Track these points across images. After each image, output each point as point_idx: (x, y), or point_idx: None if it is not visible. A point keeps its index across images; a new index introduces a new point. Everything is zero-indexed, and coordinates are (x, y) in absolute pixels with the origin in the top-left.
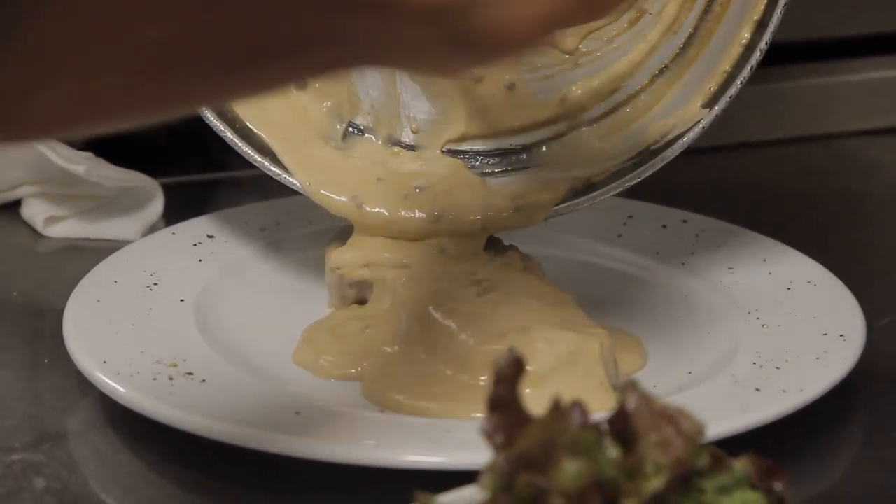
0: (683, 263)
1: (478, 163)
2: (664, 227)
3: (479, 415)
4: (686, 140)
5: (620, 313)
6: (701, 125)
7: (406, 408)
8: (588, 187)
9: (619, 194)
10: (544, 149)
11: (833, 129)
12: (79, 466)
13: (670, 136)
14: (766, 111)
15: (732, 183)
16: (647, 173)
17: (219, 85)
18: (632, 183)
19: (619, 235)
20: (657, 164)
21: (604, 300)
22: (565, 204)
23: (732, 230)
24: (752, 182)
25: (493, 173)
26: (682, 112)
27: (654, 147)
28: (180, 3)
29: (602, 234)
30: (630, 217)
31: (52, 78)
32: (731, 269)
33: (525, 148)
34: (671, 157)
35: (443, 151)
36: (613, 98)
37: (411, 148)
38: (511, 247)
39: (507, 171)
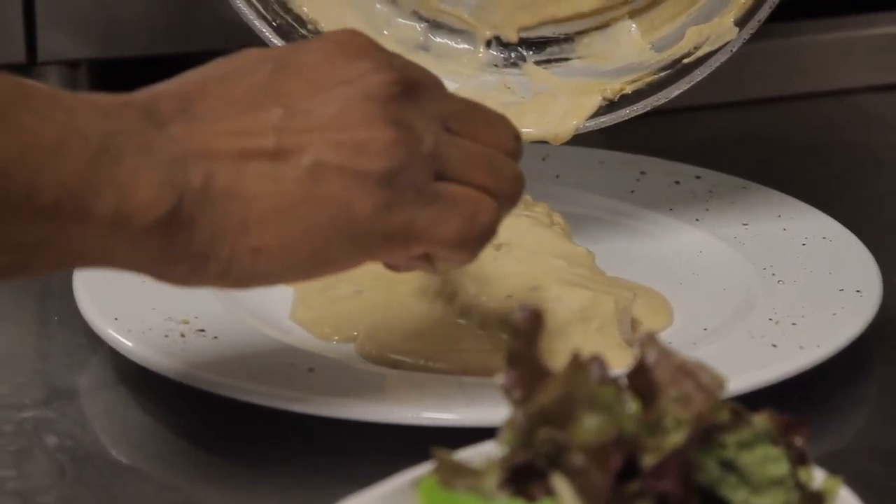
0: (697, 219)
1: (520, 52)
2: (677, 182)
3: (494, 372)
4: (714, 61)
5: (634, 270)
6: (730, 47)
7: (417, 366)
8: (617, 102)
9: (631, 150)
10: (586, 40)
11: (846, 83)
12: (90, 423)
13: (702, 52)
14: (780, 66)
15: (746, 138)
16: (675, 93)
17: None
18: (660, 102)
19: (632, 192)
20: (683, 84)
21: (617, 256)
22: (595, 119)
23: (746, 186)
24: (765, 137)
25: (534, 63)
26: (718, 23)
27: (686, 60)
28: None
29: (615, 191)
30: (643, 173)
31: None
32: (745, 224)
33: (568, 38)
34: (698, 79)
35: (488, 43)
36: None
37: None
38: (539, 203)
39: (548, 61)
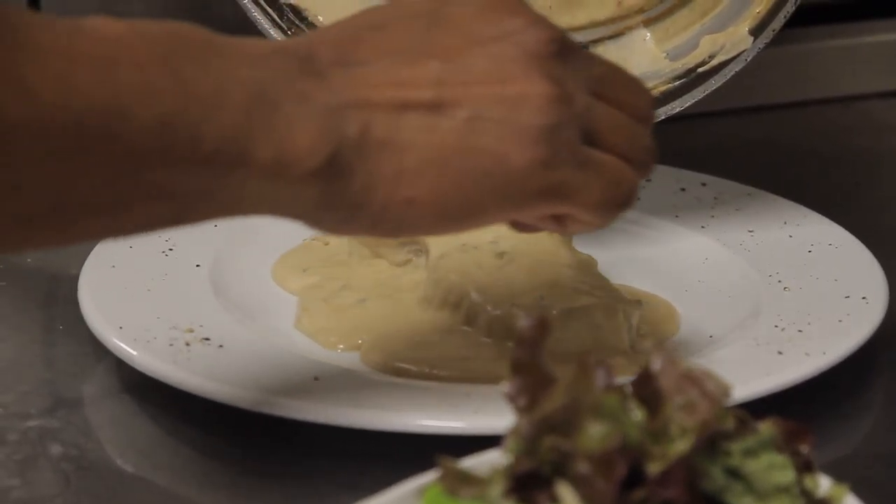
0: (703, 227)
1: None
2: (683, 190)
3: (499, 380)
4: (728, 70)
5: (640, 277)
6: (744, 57)
7: (422, 374)
8: None
9: None
10: (601, 48)
11: (853, 90)
12: (95, 432)
13: (716, 61)
14: (786, 72)
15: (752, 145)
16: (689, 102)
17: (18, 236)
18: (674, 111)
19: (638, 198)
20: (698, 93)
21: (622, 264)
22: None
23: (752, 193)
24: (771, 144)
25: None
26: (732, 32)
27: (701, 69)
28: None
29: None
30: (648, 180)
31: None
32: (751, 231)
33: (583, 46)
34: (713, 88)
35: None
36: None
37: None
38: None
39: None
